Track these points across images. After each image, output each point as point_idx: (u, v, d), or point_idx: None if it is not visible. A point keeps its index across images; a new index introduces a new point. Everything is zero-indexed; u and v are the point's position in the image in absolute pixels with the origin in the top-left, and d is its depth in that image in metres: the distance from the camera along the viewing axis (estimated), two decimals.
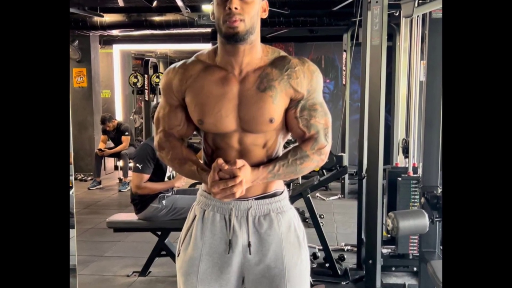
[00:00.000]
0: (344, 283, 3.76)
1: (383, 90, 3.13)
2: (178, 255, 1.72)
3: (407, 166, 3.88)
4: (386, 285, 3.58)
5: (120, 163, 7.99)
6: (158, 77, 9.67)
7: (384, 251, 3.77)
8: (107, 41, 9.62)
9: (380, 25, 3.09)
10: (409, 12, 3.22)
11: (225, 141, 1.63)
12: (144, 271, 3.93)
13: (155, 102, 9.62)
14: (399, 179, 3.64)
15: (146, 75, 9.58)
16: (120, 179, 7.91)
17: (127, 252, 4.57)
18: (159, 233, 3.88)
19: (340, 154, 4.52)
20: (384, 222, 3.29)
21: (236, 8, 1.49)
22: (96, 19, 7.54)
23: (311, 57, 8.25)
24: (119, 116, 9.97)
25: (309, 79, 1.62)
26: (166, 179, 3.86)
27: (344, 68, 7.09)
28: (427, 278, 2.90)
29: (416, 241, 3.59)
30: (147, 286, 3.77)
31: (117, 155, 7.77)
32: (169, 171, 3.88)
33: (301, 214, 5.09)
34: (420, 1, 3.27)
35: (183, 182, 3.88)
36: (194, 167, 1.65)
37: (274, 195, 1.68)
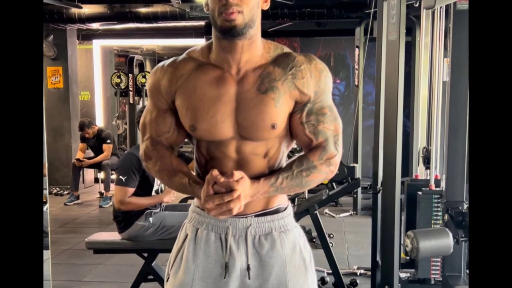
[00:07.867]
0: None
1: (401, 91, 3.13)
2: (167, 280, 1.72)
3: (428, 178, 3.87)
4: None
5: (101, 175, 7.98)
6: (144, 76, 9.69)
7: (402, 275, 3.75)
8: (86, 36, 9.63)
9: (398, 18, 3.10)
10: (431, 2, 3.23)
11: (220, 150, 1.63)
12: None
13: (141, 105, 9.63)
14: (420, 193, 3.63)
15: (130, 75, 9.59)
16: (101, 193, 7.89)
17: (109, 277, 4.56)
18: (145, 254, 3.86)
19: (352, 164, 4.52)
20: (402, 242, 3.28)
21: None
22: (74, 10, 7.56)
23: (319, 54, 8.27)
24: (99, 122, 9.97)
25: (316, 79, 1.62)
26: (153, 193, 3.86)
27: (356, 66, 7.11)
28: None
29: (439, 264, 3.58)
30: None
31: (98, 166, 7.76)
32: (157, 184, 3.88)
33: (308, 233, 5.08)
34: None
35: (172, 197, 3.88)
36: (185, 180, 1.65)
37: (276, 211, 1.68)
